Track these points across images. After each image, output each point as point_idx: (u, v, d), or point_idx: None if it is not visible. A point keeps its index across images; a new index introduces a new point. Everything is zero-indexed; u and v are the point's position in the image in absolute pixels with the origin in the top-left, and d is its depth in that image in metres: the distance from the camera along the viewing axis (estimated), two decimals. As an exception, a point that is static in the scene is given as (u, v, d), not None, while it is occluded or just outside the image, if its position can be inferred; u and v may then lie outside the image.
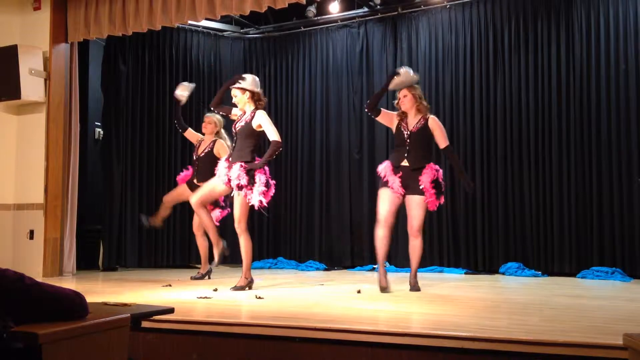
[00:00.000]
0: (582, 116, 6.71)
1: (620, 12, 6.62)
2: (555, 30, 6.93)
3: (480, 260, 7.08)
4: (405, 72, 4.97)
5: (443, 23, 7.57)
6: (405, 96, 4.94)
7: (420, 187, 4.83)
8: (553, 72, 6.88)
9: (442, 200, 4.98)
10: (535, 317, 3.59)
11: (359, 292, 4.91)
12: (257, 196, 4.94)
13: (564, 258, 6.64)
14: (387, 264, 7.39)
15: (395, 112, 5.08)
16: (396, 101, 5.07)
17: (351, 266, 7.79)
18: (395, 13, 7.89)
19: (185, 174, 6.41)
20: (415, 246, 4.94)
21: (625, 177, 6.42)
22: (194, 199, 5.30)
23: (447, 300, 4.44)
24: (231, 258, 7.84)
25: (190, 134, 6.37)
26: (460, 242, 7.20)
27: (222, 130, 6.29)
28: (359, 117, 8.01)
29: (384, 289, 4.84)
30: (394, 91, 5.15)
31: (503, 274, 6.73)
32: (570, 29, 6.86)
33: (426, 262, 7.19)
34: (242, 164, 5.00)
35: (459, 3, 7.51)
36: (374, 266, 7.50)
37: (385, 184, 4.93)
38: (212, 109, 5.39)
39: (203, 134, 6.33)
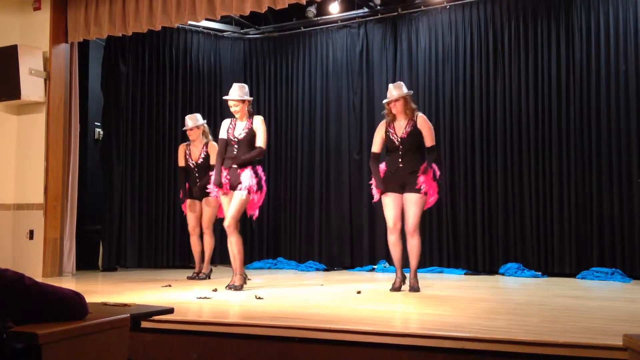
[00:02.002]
0: (582, 116, 6.71)
1: (620, 12, 6.62)
2: (555, 31, 6.93)
3: (480, 260, 7.07)
4: (398, 86, 5.08)
5: (443, 23, 7.57)
6: (397, 100, 5.01)
7: (420, 188, 4.89)
8: (553, 72, 6.88)
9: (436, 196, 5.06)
10: (535, 317, 3.59)
11: (359, 292, 4.92)
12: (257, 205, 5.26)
13: (563, 259, 6.64)
14: (387, 265, 7.44)
15: (382, 122, 5.15)
16: (386, 107, 5.13)
17: (351, 266, 7.79)
18: (395, 13, 7.88)
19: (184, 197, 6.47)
20: (413, 245, 4.96)
21: (625, 177, 6.42)
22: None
23: (447, 301, 4.45)
24: (229, 259, 7.87)
25: (180, 157, 6.48)
26: (460, 242, 7.20)
27: (206, 128, 6.40)
28: (359, 118, 8.01)
29: (397, 289, 4.98)
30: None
31: (503, 274, 6.73)
32: (570, 29, 6.86)
33: (426, 262, 7.20)
34: (251, 169, 5.15)
35: (459, 3, 7.50)
36: (374, 267, 7.52)
37: (381, 190, 5.02)
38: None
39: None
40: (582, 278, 6.30)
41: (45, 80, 6.84)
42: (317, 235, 8.11)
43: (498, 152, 7.10)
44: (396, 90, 5.03)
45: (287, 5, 5.93)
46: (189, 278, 6.16)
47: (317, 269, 7.66)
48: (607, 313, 3.83)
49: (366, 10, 8.05)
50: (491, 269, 6.97)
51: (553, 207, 6.75)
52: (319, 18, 8.26)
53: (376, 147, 5.16)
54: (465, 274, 6.89)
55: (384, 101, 5.15)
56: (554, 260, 6.69)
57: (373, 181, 5.15)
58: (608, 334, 2.90)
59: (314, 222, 8.15)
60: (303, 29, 8.49)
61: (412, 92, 5.22)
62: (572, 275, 6.47)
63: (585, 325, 3.31)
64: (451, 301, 4.44)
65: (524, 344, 2.73)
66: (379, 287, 5.58)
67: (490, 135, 7.17)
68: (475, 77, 7.31)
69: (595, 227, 6.52)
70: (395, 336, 2.94)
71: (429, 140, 5.02)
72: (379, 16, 7.99)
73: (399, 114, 5.04)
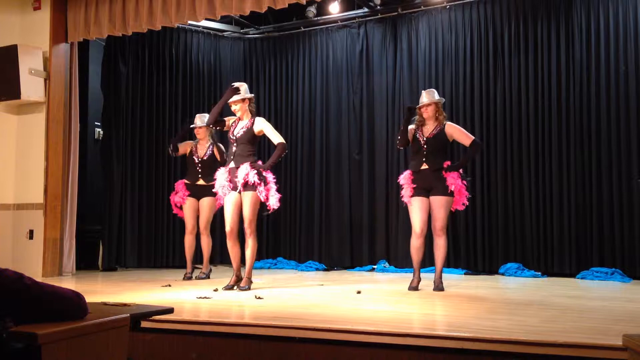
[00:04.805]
0: (582, 116, 6.71)
1: (620, 13, 6.62)
2: (555, 31, 6.93)
3: (479, 260, 7.07)
4: (430, 92, 5.22)
5: (443, 23, 7.57)
6: (429, 105, 5.13)
7: (450, 189, 4.98)
8: (553, 73, 6.88)
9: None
10: (535, 317, 3.59)
11: (358, 292, 4.91)
12: (274, 197, 5.07)
13: (563, 259, 6.64)
14: (387, 265, 7.45)
15: (413, 126, 5.25)
16: (418, 112, 5.22)
17: (351, 266, 7.79)
18: (395, 13, 7.88)
19: (179, 194, 6.41)
20: (440, 245, 5.09)
21: (625, 177, 6.42)
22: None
23: (447, 301, 4.44)
24: (228, 259, 7.88)
25: (182, 148, 6.43)
26: (460, 242, 7.20)
27: (213, 130, 6.39)
28: (359, 118, 8.01)
29: (414, 288, 5.09)
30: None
31: (503, 274, 6.73)
32: (570, 30, 6.86)
33: (426, 262, 7.19)
34: (250, 164, 5.06)
35: (459, 3, 7.51)
36: (374, 267, 7.53)
37: (409, 192, 5.11)
38: (211, 126, 5.42)
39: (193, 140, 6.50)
40: (582, 278, 6.30)
41: (45, 80, 6.84)
42: (317, 235, 8.11)
43: (498, 152, 7.10)
44: (428, 96, 5.17)
45: (287, 5, 5.93)
46: (185, 279, 6.10)
47: (317, 269, 7.66)
48: (607, 313, 3.82)
49: (366, 10, 8.05)
50: (491, 269, 6.97)
51: (553, 207, 6.75)
52: (319, 18, 8.26)
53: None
54: (465, 274, 6.89)
55: (417, 106, 5.22)
56: (554, 260, 6.69)
57: (402, 186, 5.19)
58: (608, 334, 2.89)
59: (314, 222, 8.15)
60: (303, 29, 8.49)
61: (444, 99, 5.33)
62: (572, 275, 6.47)
63: (585, 325, 3.30)
64: (451, 301, 4.43)
65: (524, 344, 2.73)
66: (379, 287, 5.58)
67: (490, 135, 7.17)
68: (475, 77, 7.31)
69: (595, 227, 6.52)
70: (395, 336, 2.94)
71: (465, 138, 5.14)
72: (379, 16, 7.99)
73: (429, 119, 5.16)
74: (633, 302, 4.50)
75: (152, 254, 7.88)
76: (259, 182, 5.01)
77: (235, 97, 5.18)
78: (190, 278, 6.15)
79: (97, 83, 7.86)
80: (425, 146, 5.10)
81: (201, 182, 6.24)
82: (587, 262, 6.48)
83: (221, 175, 5.20)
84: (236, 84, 5.29)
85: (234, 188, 5.11)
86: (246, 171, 5.02)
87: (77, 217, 6.98)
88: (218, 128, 5.38)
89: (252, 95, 5.35)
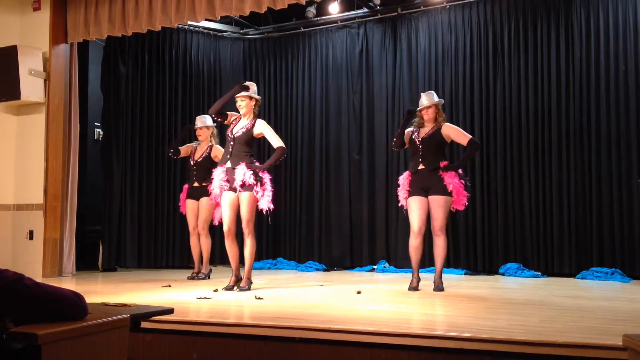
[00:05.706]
0: (582, 116, 6.71)
1: (620, 12, 6.62)
2: (555, 31, 6.93)
3: (479, 260, 7.07)
4: (430, 95, 5.25)
5: (443, 23, 7.58)
6: (429, 107, 5.15)
7: (449, 189, 4.98)
8: (553, 73, 6.89)
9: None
10: (535, 317, 3.59)
11: (358, 292, 4.92)
12: (267, 200, 5.05)
13: (563, 259, 6.64)
14: (387, 265, 7.45)
15: (410, 129, 5.28)
16: (418, 115, 5.25)
17: (350, 267, 7.79)
18: (395, 14, 7.89)
19: (182, 198, 6.46)
20: (439, 245, 5.09)
21: (625, 177, 6.42)
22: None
23: (447, 301, 4.44)
24: (228, 259, 7.88)
25: (184, 150, 6.44)
26: (459, 242, 7.20)
27: (215, 131, 6.42)
28: (359, 118, 8.01)
29: (414, 288, 5.10)
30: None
31: (502, 274, 6.73)
32: (570, 30, 6.87)
33: (426, 262, 7.20)
34: (246, 164, 5.05)
35: (459, 3, 7.51)
36: (374, 267, 7.53)
37: (409, 193, 5.14)
38: (212, 116, 5.36)
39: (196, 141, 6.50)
40: (582, 278, 6.30)
41: (44, 80, 6.84)
42: (317, 236, 8.11)
43: (498, 152, 7.10)
44: (428, 98, 5.19)
45: (286, 6, 5.93)
46: (189, 278, 6.18)
47: (317, 269, 7.66)
48: (607, 313, 3.82)
49: (366, 10, 8.06)
50: (491, 269, 6.97)
51: (553, 207, 6.75)
52: (318, 18, 8.26)
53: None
54: (465, 274, 6.89)
55: (418, 109, 5.24)
56: (554, 260, 6.69)
57: (400, 187, 5.23)
58: (608, 334, 2.90)
59: (314, 222, 8.15)
60: (303, 29, 8.49)
61: (443, 100, 5.35)
62: (572, 275, 6.47)
63: (585, 325, 3.31)
64: (451, 301, 4.43)
65: (524, 344, 2.73)
66: (379, 287, 5.58)
67: (490, 135, 7.17)
68: (475, 77, 7.31)
69: (595, 227, 6.52)
70: (394, 336, 2.94)
71: (462, 137, 5.14)
72: (379, 16, 8.00)
73: (428, 122, 5.18)
74: (633, 302, 4.50)
75: (152, 254, 7.88)
76: (255, 182, 5.02)
77: (244, 93, 5.16)
78: (194, 278, 6.16)
79: (97, 83, 7.87)
80: (420, 146, 5.12)
81: (196, 184, 6.27)
82: (587, 262, 6.49)
83: (218, 175, 5.17)
84: (247, 83, 5.27)
85: (231, 188, 5.10)
86: (243, 172, 5.02)
87: (77, 218, 6.98)
88: (220, 120, 5.29)
89: (260, 97, 5.33)
